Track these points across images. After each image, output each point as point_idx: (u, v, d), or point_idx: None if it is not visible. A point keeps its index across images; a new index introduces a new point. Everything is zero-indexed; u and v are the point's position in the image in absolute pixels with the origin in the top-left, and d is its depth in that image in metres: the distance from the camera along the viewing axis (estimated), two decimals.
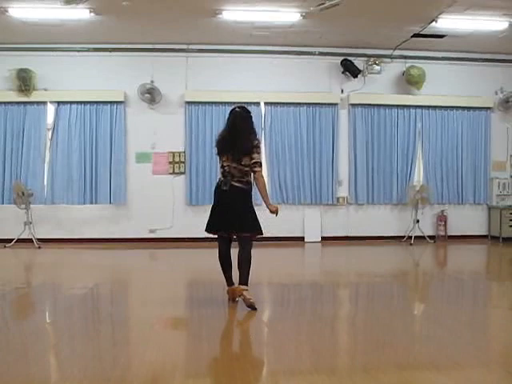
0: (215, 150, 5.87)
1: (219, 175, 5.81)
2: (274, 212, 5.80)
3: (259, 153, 5.65)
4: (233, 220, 5.60)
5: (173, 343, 4.65)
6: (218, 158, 5.85)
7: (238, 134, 5.61)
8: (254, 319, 5.58)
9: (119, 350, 4.46)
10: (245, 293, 5.51)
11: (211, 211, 5.82)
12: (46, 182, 11.25)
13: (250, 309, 5.52)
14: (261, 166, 5.65)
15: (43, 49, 10.89)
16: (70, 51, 11.05)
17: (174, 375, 3.81)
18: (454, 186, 12.03)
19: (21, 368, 3.90)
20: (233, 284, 5.83)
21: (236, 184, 5.59)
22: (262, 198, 5.80)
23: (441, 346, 4.45)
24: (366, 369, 3.91)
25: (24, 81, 10.83)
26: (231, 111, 5.84)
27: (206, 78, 11.30)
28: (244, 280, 5.54)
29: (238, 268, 5.61)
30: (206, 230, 5.85)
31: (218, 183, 5.79)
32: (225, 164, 5.65)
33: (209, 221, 5.82)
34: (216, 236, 5.90)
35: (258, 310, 5.55)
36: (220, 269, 5.88)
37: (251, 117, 5.83)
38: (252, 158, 5.55)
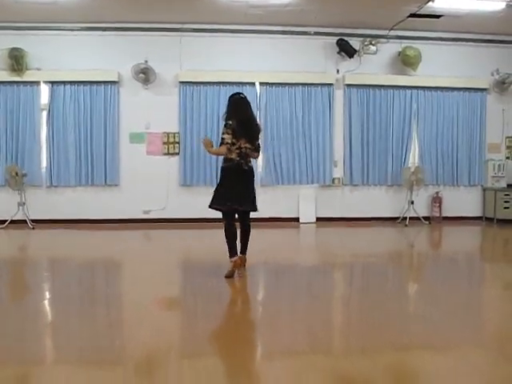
0: (228, 132, 6.09)
1: (233, 156, 6.14)
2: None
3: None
4: (246, 197, 6.23)
5: (168, 324, 4.64)
6: (230, 139, 6.11)
7: (251, 119, 6.35)
8: (250, 299, 5.61)
9: (114, 330, 4.46)
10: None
11: (222, 187, 6.23)
12: (41, 163, 11.20)
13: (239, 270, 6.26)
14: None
15: (35, 28, 10.75)
16: (63, 30, 10.91)
17: (169, 356, 3.81)
18: (449, 168, 12.03)
19: (16, 349, 3.88)
20: (237, 253, 6.21)
21: (250, 165, 6.32)
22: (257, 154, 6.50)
23: (436, 326, 4.46)
24: (362, 349, 3.91)
25: (16, 60, 10.72)
26: (234, 97, 6.38)
27: (200, 57, 11.20)
28: (245, 250, 6.34)
29: (245, 238, 6.33)
30: (215, 205, 6.22)
31: (233, 162, 6.15)
32: (242, 146, 6.15)
33: (219, 195, 6.20)
34: (220, 210, 6.27)
35: (253, 291, 5.70)
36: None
37: None
38: (257, 140, 6.37)
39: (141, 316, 4.76)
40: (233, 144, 6.10)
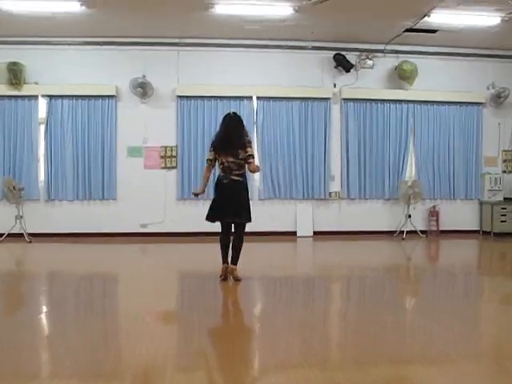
0: (210, 149, 6.70)
1: (219, 171, 6.61)
2: (258, 168, 6.76)
3: (251, 147, 6.58)
4: (233, 208, 6.49)
5: (164, 336, 4.63)
6: (212, 155, 6.65)
7: (231, 133, 6.53)
8: (246, 312, 5.63)
9: (110, 342, 4.45)
10: (234, 272, 6.55)
11: (213, 202, 6.67)
12: (38, 177, 11.22)
13: (237, 281, 6.56)
14: (254, 157, 6.58)
15: (34, 42, 10.82)
16: (61, 45, 10.99)
17: (165, 368, 3.80)
18: (445, 181, 12.06)
19: (11, 361, 3.87)
20: (227, 262, 6.66)
21: (234, 177, 6.49)
22: (253, 167, 6.55)
23: (432, 339, 4.46)
24: (357, 362, 3.90)
25: (14, 74, 10.77)
26: (225, 116, 6.79)
27: (197, 72, 11.27)
28: (235, 261, 6.56)
29: (233, 250, 6.56)
30: (207, 219, 6.67)
31: (218, 178, 6.63)
32: (224, 160, 6.51)
33: (210, 211, 6.65)
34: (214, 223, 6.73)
35: (249, 304, 5.74)
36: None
37: (242, 120, 6.78)
38: (246, 152, 6.45)
39: (137, 329, 4.75)
40: (215, 160, 6.62)
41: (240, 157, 6.44)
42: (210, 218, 6.66)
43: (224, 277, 6.65)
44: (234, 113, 6.85)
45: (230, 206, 6.48)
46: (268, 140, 11.54)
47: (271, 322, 5.08)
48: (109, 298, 6.57)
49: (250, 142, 6.58)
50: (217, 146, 6.60)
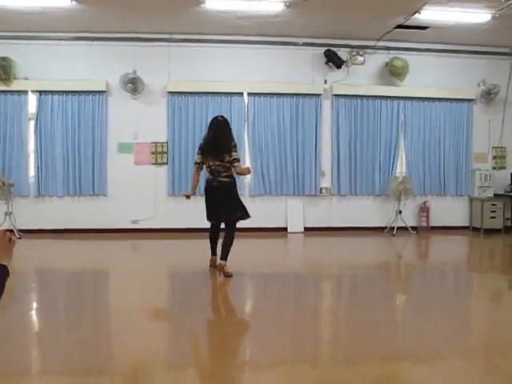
0: (198, 153, 7.00)
1: (207, 174, 6.90)
2: (246, 170, 7.02)
3: (237, 151, 6.77)
4: (226, 208, 6.74)
5: (155, 333, 4.63)
6: (200, 159, 6.93)
7: (219, 137, 6.76)
8: (237, 309, 5.63)
9: (101, 340, 4.44)
10: (224, 268, 6.66)
11: (206, 204, 6.90)
12: (28, 173, 11.14)
13: (228, 277, 6.67)
14: (239, 161, 6.78)
15: (24, 37, 10.72)
16: (51, 40, 10.89)
17: (156, 366, 3.80)
18: (436, 178, 12.08)
19: (1, 358, 3.86)
20: (216, 255, 7.11)
21: (223, 179, 6.74)
22: (238, 170, 6.81)
23: (422, 336, 4.48)
24: (348, 360, 3.92)
25: (4, 69, 10.69)
26: (213, 119, 7.00)
27: (188, 68, 11.22)
28: (225, 256, 6.69)
29: (222, 245, 6.77)
30: (209, 219, 6.98)
31: (207, 181, 6.90)
32: (211, 163, 6.76)
33: (207, 212, 6.92)
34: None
35: (240, 301, 5.77)
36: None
37: (230, 124, 7.02)
38: (231, 156, 6.67)
39: (128, 326, 4.74)
40: (203, 163, 6.90)
41: (225, 160, 6.66)
42: (210, 218, 6.95)
43: (213, 265, 7.08)
44: (221, 116, 7.07)
45: (225, 205, 6.74)
46: (259, 136, 11.51)
47: (262, 319, 5.09)
48: (99, 294, 6.57)
49: (235, 146, 6.76)
50: (204, 150, 6.87)
